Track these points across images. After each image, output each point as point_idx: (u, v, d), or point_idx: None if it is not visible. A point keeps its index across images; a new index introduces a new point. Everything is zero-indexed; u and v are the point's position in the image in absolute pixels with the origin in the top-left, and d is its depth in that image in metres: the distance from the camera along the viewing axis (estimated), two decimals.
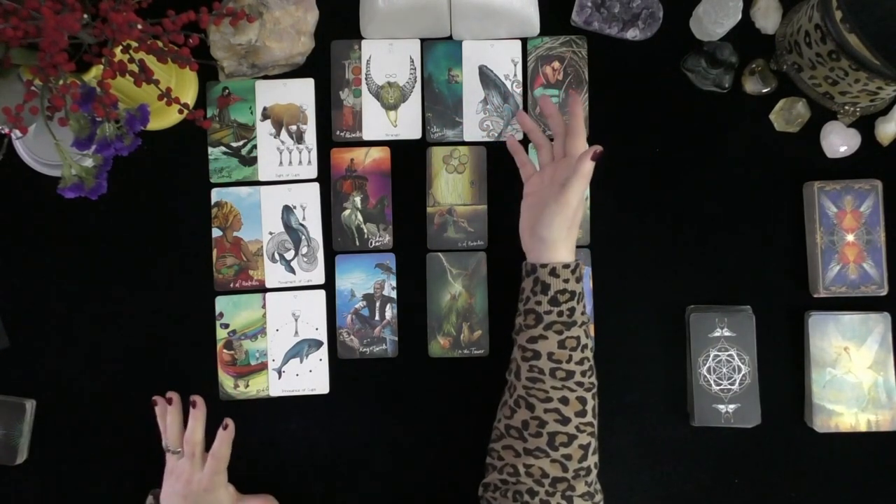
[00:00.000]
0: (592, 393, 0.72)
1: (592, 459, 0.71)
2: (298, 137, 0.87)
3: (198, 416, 0.79)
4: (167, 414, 0.79)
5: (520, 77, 0.87)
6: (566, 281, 0.73)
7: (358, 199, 0.86)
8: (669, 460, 0.85)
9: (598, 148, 0.74)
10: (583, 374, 0.72)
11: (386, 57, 0.87)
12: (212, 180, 0.86)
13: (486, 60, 0.87)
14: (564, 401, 0.71)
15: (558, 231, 0.73)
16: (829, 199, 0.85)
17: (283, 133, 0.87)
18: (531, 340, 0.73)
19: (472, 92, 0.87)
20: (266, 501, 0.81)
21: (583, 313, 0.74)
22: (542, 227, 0.74)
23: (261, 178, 0.86)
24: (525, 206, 0.78)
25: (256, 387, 0.85)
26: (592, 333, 0.75)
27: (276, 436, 0.85)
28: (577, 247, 0.86)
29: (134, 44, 0.68)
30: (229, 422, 0.79)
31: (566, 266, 0.73)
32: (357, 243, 0.86)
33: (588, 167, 0.73)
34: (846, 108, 0.85)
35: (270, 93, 0.86)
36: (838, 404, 0.83)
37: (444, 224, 0.86)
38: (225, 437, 0.79)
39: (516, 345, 0.74)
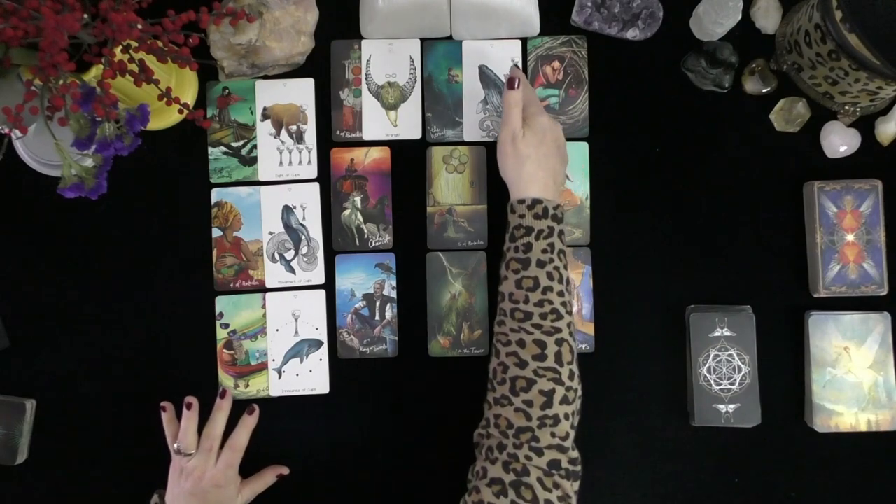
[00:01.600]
0: (556, 339, 0.70)
1: (561, 409, 0.68)
2: (298, 137, 0.87)
3: (224, 407, 0.79)
4: (186, 417, 0.79)
5: None
6: (521, 216, 0.73)
7: (358, 199, 0.86)
8: (669, 460, 0.85)
9: (511, 72, 0.77)
10: (542, 316, 0.70)
11: (386, 57, 0.87)
12: (212, 180, 0.86)
13: (486, 60, 0.87)
14: (521, 343, 0.70)
15: (503, 169, 0.76)
16: (829, 199, 0.85)
17: (283, 133, 0.87)
18: (500, 282, 0.73)
19: (472, 92, 0.87)
20: (265, 476, 0.81)
21: (544, 251, 0.72)
22: (500, 172, 0.77)
23: (261, 178, 0.86)
24: None
25: (256, 387, 0.85)
26: (567, 277, 0.73)
27: (276, 436, 0.85)
28: (577, 246, 0.86)
29: (134, 44, 0.68)
30: (255, 407, 0.79)
31: (521, 201, 0.73)
32: (357, 243, 0.86)
33: (507, 97, 0.76)
34: (846, 108, 0.85)
35: (270, 93, 0.86)
36: (838, 404, 0.83)
37: (444, 224, 0.86)
38: (248, 424, 0.79)
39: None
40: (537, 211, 0.73)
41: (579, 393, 0.71)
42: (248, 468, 0.84)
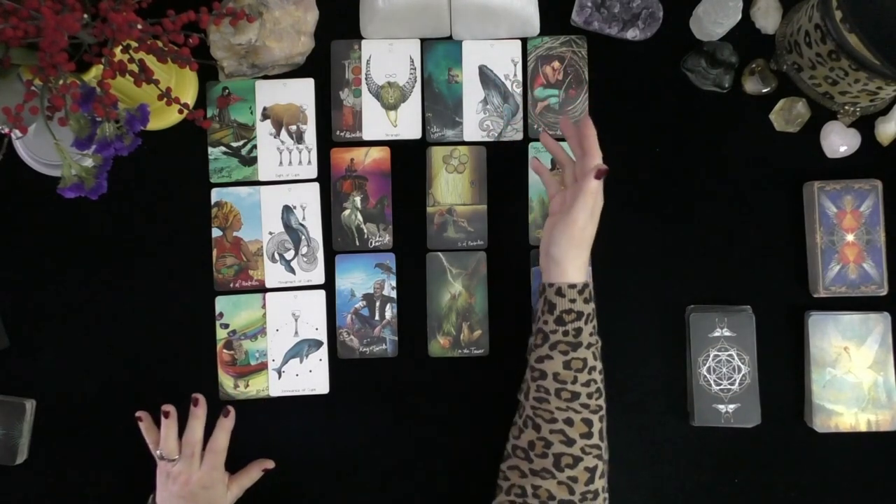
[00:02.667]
0: (599, 416, 0.72)
1: (600, 483, 0.71)
2: (298, 137, 0.87)
3: (199, 414, 0.79)
4: (164, 425, 0.79)
5: (520, 77, 0.87)
6: (572, 301, 0.73)
7: (358, 199, 0.86)
8: (669, 460, 0.85)
9: (601, 165, 0.74)
10: (589, 395, 0.71)
11: (386, 57, 0.87)
12: (212, 180, 0.86)
13: (486, 60, 0.87)
14: (569, 422, 0.70)
15: (565, 250, 0.73)
16: (829, 199, 0.84)
17: (283, 133, 0.87)
18: (539, 360, 0.73)
19: (472, 92, 0.87)
20: (251, 471, 0.81)
21: (591, 334, 0.73)
22: (552, 246, 0.74)
23: (261, 178, 0.86)
24: (546, 225, 0.77)
25: (256, 387, 0.85)
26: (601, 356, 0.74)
27: (276, 436, 0.85)
28: None
29: (134, 44, 0.68)
30: (230, 409, 0.79)
31: (572, 286, 0.73)
32: (357, 243, 0.86)
33: (591, 185, 0.73)
34: (846, 108, 0.85)
35: (270, 93, 0.86)
36: (838, 404, 0.83)
37: (444, 224, 0.86)
38: (225, 426, 0.79)
39: (528, 365, 0.75)
40: (586, 296, 0.73)
41: (608, 460, 0.73)
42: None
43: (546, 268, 0.75)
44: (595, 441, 0.71)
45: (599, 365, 0.73)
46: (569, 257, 0.73)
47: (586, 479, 0.70)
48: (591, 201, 0.73)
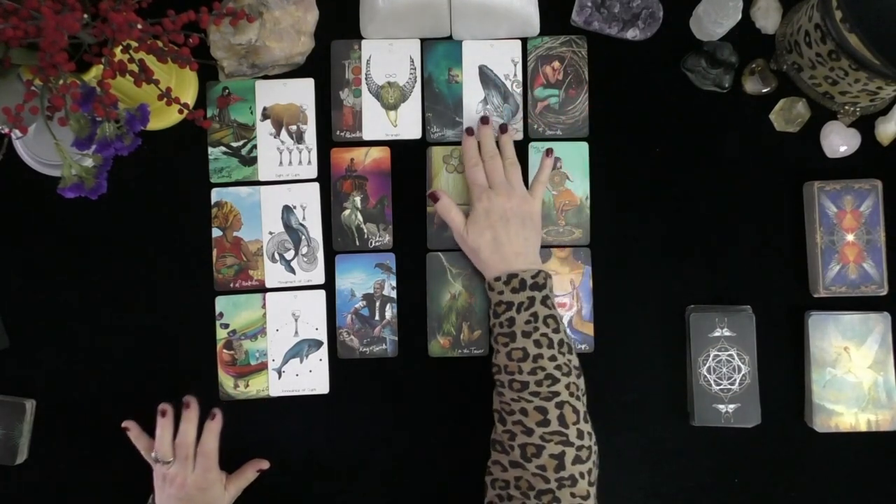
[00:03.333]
0: (556, 402, 0.71)
1: (574, 469, 0.70)
2: (298, 137, 0.87)
3: (191, 417, 0.79)
4: (160, 426, 0.79)
5: (520, 77, 0.87)
6: (500, 293, 0.76)
7: (358, 199, 0.86)
8: (669, 460, 0.85)
9: (432, 191, 0.84)
10: (538, 383, 0.72)
11: (386, 57, 0.87)
12: (212, 180, 0.86)
13: (486, 60, 0.87)
14: (524, 412, 0.72)
15: (474, 262, 0.82)
16: (829, 199, 0.85)
17: (283, 133, 0.87)
18: (492, 354, 0.77)
19: (472, 92, 0.87)
20: (247, 472, 0.82)
21: (527, 322, 0.74)
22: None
23: (261, 178, 0.86)
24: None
25: (256, 387, 0.85)
26: (560, 339, 0.75)
27: (276, 436, 0.85)
28: (577, 246, 0.86)
29: (134, 44, 0.68)
30: (216, 412, 0.80)
31: (497, 278, 0.77)
32: (357, 243, 0.86)
33: (437, 208, 0.83)
34: (846, 108, 0.85)
35: (270, 93, 0.86)
36: (838, 404, 0.83)
37: (444, 224, 0.86)
38: (213, 429, 0.79)
39: None
40: (514, 285, 0.76)
41: (594, 448, 0.73)
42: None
43: (479, 267, 0.82)
44: (554, 428, 0.70)
45: (549, 352, 0.73)
46: (475, 264, 0.82)
47: (555, 466, 0.69)
48: (445, 218, 0.83)
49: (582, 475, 0.70)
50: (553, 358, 0.73)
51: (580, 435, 0.71)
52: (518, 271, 0.77)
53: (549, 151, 0.84)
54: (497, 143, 0.84)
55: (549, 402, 0.71)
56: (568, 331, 0.80)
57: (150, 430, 0.81)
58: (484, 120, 0.84)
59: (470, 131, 0.84)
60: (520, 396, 0.72)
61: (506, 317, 0.75)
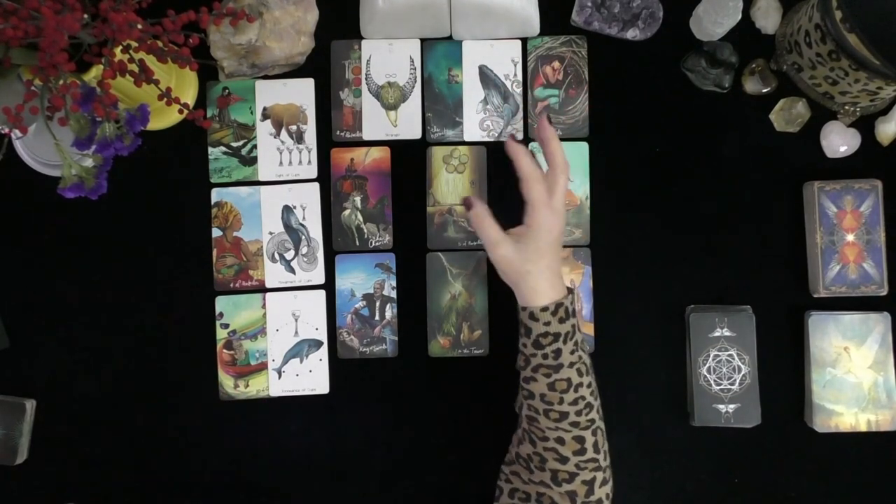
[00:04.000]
0: (592, 430, 0.70)
1: (602, 491, 0.70)
2: (298, 137, 0.87)
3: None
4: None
5: (520, 77, 0.87)
6: (547, 324, 0.70)
7: (358, 199, 0.86)
8: (669, 460, 0.85)
9: (467, 198, 0.74)
10: (577, 413, 0.70)
11: (386, 57, 0.87)
12: (212, 180, 0.86)
13: (486, 60, 0.87)
14: (560, 441, 0.70)
15: (514, 285, 0.72)
16: (829, 199, 0.84)
17: (283, 133, 0.87)
18: (525, 381, 0.72)
19: (472, 92, 0.87)
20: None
21: (573, 352, 0.70)
22: (524, 265, 0.71)
23: (261, 178, 0.86)
24: (507, 245, 0.73)
25: (256, 387, 0.85)
26: (589, 362, 0.73)
27: (276, 436, 0.85)
28: (577, 246, 0.86)
29: (134, 44, 0.68)
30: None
31: (544, 309, 0.70)
32: (357, 243, 0.86)
33: (469, 217, 0.73)
34: (846, 108, 0.85)
35: (270, 93, 0.86)
36: (838, 404, 0.83)
37: (444, 224, 0.86)
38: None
39: (520, 379, 0.74)
40: (561, 315, 0.70)
41: (609, 465, 0.73)
42: (248, 468, 0.84)
43: (517, 289, 0.72)
44: (589, 455, 0.70)
45: (587, 379, 0.71)
46: (514, 286, 0.72)
47: (585, 492, 0.69)
48: (478, 229, 0.72)
49: (607, 496, 0.71)
50: (589, 384, 0.71)
51: (605, 457, 0.72)
52: (562, 299, 0.70)
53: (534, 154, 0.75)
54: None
55: (586, 430, 0.70)
56: None
57: (154, 427, 0.81)
58: (549, 118, 0.73)
59: (514, 138, 0.74)
60: (558, 426, 0.70)
61: (552, 348, 0.69)
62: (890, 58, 0.72)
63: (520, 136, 0.87)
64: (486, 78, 0.87)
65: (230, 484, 0.84)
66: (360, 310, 0.86)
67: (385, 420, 0.86)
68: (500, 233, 0.72)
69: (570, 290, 0.72)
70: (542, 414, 0.70)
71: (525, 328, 0.71)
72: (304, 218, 0.86)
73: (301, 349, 0.86)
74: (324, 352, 0.86)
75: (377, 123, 0.87)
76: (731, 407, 0.83)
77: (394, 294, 0.86)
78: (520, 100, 0.87)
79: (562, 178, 0.71)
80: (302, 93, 0.87)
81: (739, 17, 0.85)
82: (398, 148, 0.87)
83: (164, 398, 0.84)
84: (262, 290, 0.86)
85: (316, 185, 0.86)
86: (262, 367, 0.85)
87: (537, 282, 0.70)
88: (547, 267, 0.71)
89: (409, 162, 0.87)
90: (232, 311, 0.86)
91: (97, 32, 0.64)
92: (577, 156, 0.86)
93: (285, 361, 0.85)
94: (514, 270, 0.72)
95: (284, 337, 0.85)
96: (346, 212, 0.86)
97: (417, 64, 0.87)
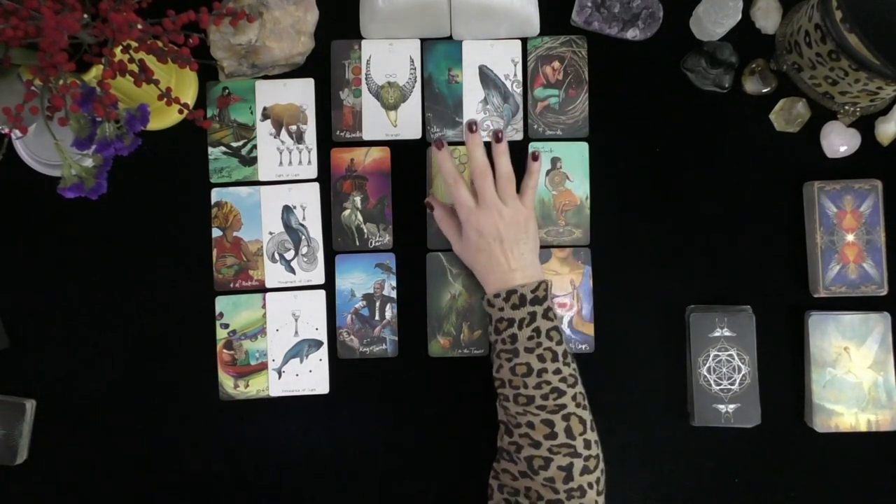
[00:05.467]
0: (563, 414, 0.71)
1: (583, 479, 0.70)
2: (298, 137, 0.87)
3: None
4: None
5: (520, 77, 0.87)
6: (501, 310, 0.74)
7: (358, 199, 0.86)
8: (669, 460, 0.85)
9: (427, 200, 0.83)
10: (543, 397, 0.71)
11: (386, 57, 0.87)
12: (212, 180, 0.86)
13: (486, 60, 0.87)
14: (531, 425, 0.71)
15: (475, 274, 0.79)
16: (829, 199, 0.85)
17: (283, 133, 0.87)
18: (496, 370, 0.75)
19: (472, 92, 0.87)
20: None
21: (529, 338, 0.73)
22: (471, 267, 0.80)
23: (261, 178, 0.86)
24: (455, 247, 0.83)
25: (256, 387, 0.85)
26: (563, 350, 0.74)
27: (276, 436, 0.85)
28: (577, 246, 0.86)
29: (134, 44, 0.68)
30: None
31: (496, 295, 0.75)
32: (357, 243, 0.86)
33: (434, 216, 0.82)
34: (846, 108, 0.85)
35: (270, 93, 0.86)
36: (838, 404, 0.83)
37: None
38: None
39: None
40: (514, 301, 0.74)
41: (601, 457, 0.73)
42: (248, 468, 0.84)
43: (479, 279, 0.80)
44: (561, 440, 0.70)
45: (553, 366, 0.72)
46: (486, 271, 0.77)
47: (563, 478, 0.69)
48: (440, 227, 0.82)
49: (590, 485, 0.71)
50: (557, 371, 0.72)
51: (587, 445, 0.71)
52: (517, 287, 0.74)
53: (535, 155, 0.79)
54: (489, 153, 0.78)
55: (556, 414, 0.71)
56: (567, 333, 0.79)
57: (154, 426, 0.81)
58: (470, 127, 0.76)
59: (440, 144, 0.78)
60: (526, 410, 0.71)
61: (507, 333, 0.74)
62: (890, 58, 0.72)
63: (519, 136, 0.87)
64: (486, 78, 0.87)
65: (230, 484, 0.84)
66: (360, 310, 0.86)
67: (385, 420, 0.86)
68: (456, 232, 0.81)
69: (542, 282, 0.75)
70: (512, 400, 0.73)
71: (487, 316, 0.77)
72: (304, 218, 0.86)
73: (301, 349, 0.86)
74: (324, 352, 0.86)
75: (377, 123, 0.87)
76: (731, 407, 0.83)
77: (394, 294, 0.86)
78: (520, 100, 0.87)
79: (478, 180, 0.77)
80: (302, 93, 0.87)
81: (739, 17, 0.85)
82: (398, 148, 0.87)
83: (164, 398, 0.84)
84: (262, 290, 0.86)
85: (316, 185, 0.86)
86: (262, 367, 0.85)
87: (486, 274, 0.77)
88: (488, 261, 0.76)
89: (409, 162, 0.87)
90: (232, 311, 0.86)
91: (97, 32, 0.64)
92: (577, 156, 0.86)
93: (285, 361, 0.85)
94: (468, 264, 0.81)
95: (284, 337, 0.85)
96: (346, 212, 0.86)
97: (417, 64, 0.87)
